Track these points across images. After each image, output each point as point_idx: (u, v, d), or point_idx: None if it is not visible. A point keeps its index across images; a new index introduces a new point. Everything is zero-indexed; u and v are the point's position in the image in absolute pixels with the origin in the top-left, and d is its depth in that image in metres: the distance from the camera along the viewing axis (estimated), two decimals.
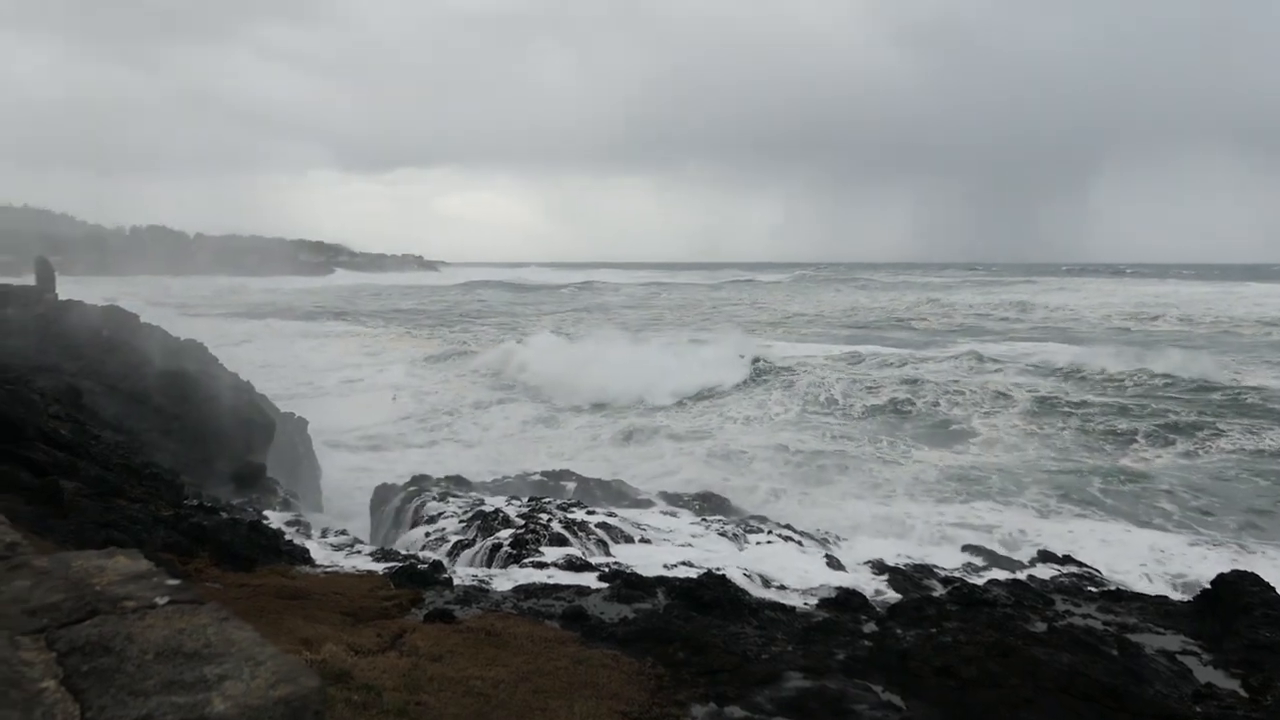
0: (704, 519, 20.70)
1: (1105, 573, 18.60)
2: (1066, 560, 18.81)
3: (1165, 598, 15.43)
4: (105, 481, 16.56)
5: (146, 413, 23.51)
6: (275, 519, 19.47)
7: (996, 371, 47.57)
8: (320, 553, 17.23)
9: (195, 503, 17.92)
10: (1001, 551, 20.72)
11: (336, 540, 18.42)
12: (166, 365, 27.39)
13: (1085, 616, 13.81)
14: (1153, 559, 21.42)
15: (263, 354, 58.56)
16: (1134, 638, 12.51)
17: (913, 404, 40.13)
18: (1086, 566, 18.58)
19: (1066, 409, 37.87)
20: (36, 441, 16.48)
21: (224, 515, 17.34)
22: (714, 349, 54.38)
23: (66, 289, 53.04)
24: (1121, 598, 15.31)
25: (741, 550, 18.46)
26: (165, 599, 1.09)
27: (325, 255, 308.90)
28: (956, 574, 17.55)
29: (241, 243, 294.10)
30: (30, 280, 53.59)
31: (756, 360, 49.25)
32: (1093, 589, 16.31)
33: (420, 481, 22.52)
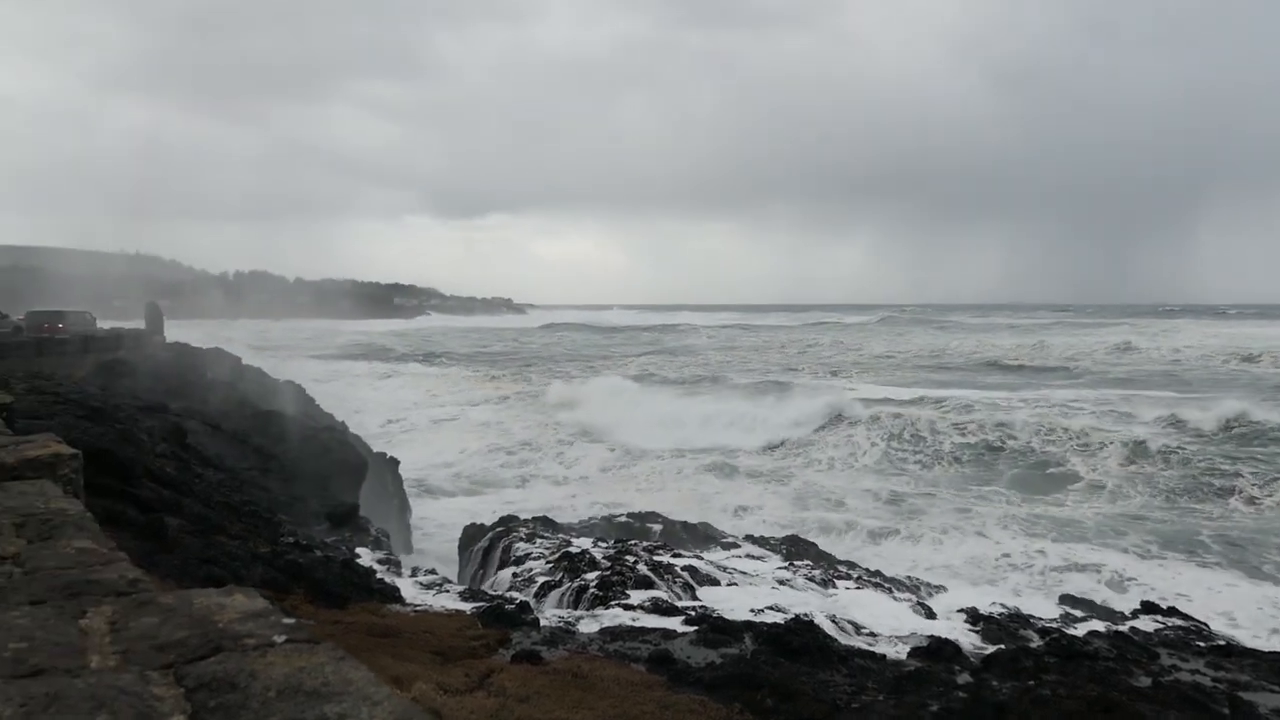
0: (791, 563, 20.44)
1: (1214, 626, 17.82)
2: (1171, 612, 18.03)
3: None
4: (207, 519, 17.11)
5: (246, 452, 24.26)
6: (367, 557, 19.83)
7: (1094, 414, 46.22)
8: (410, 591, 17.48)
9: (291, 540, 18.35)
10: (1101, 599, 20.02)
11: (426, 579, 18.65)
12: (265, 405, 28.28)
13: (1193, 672, 13.20)
14: (1267, 613, 20.46)
15: (355, 393, 60.12)
16: (1247, 696, 11.92)
17: (1004, 447, 39.15)
18: (1193, 620, 17.78)
19: (1167, 453, 36.45)
20: (144, 479, 17.13)
21: (318, 553, 17.73)
22: (799, 392, 54.05)
23: (173, 332, 55.37)
24: (1232, 653, 14.62)
25: (829, 596, 18.18)
26: (283, 637, 1.14)
27: (418, 299, 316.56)
28: (1054, 624, 16.97)
29: (337, 286, 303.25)
30: (140, 324, 56.11)
31: (840, 403, 48.69)
32: (1200, 643, 15.60)
33: (508, 522, 22.73)
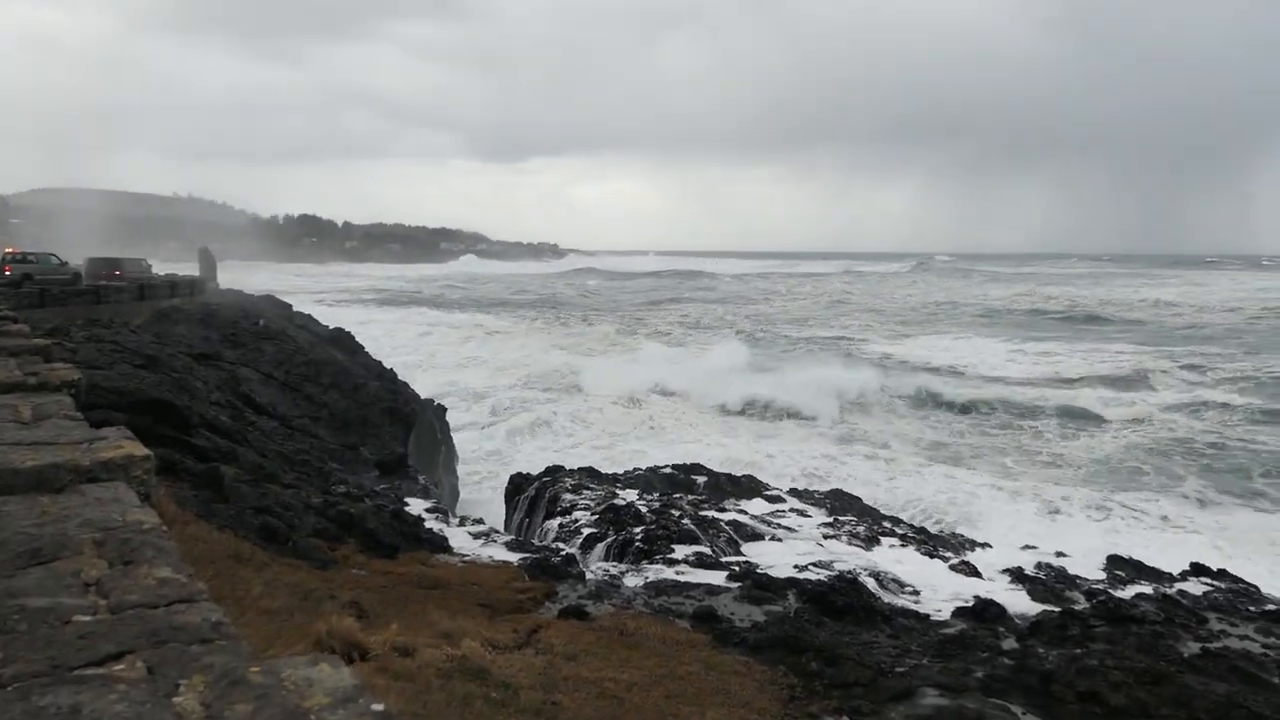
0: (835, 518, 20.44)
1: (1264, 589, 17.61)
2: (1221, 574, 17.83)
3: None
4: (261, 468, 17.49)
5: (298, 400, 24.67)
6: (416, 506, 20.17)
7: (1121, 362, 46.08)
8: (458, 541, 17.78)
9: (342, 489, 18.72)
10: (1149, 562, 19.88)
11: (473, 529, 18.95)
12: (316, 354, 28.66)
13: (1243, 639, 13.07)
14: None
15: (403, 338, 60.83)
16: None
17: (1040, 405, 38.80)
18: (1242, 582, 17.57)
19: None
20: (200, 429, 17.52)
21: (369, 502, 18.07)
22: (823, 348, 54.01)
23: (225, 275, 56.16)
24: None
25: (873, 551, 18.18)
26: None
27: (464, 243, 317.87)
28: (1100, 585, 16.86)
29: (386, 230, 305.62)
30: (194, 267, 56.94)
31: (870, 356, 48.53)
32: (1251, 608, 15.42)
33: (554, 472, 22.93)
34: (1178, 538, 22.87)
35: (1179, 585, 17.15)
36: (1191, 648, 11.78)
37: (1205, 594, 16.41)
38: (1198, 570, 18.16)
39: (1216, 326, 70.95)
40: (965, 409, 38.83)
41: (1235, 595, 16.56)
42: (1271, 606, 15.69)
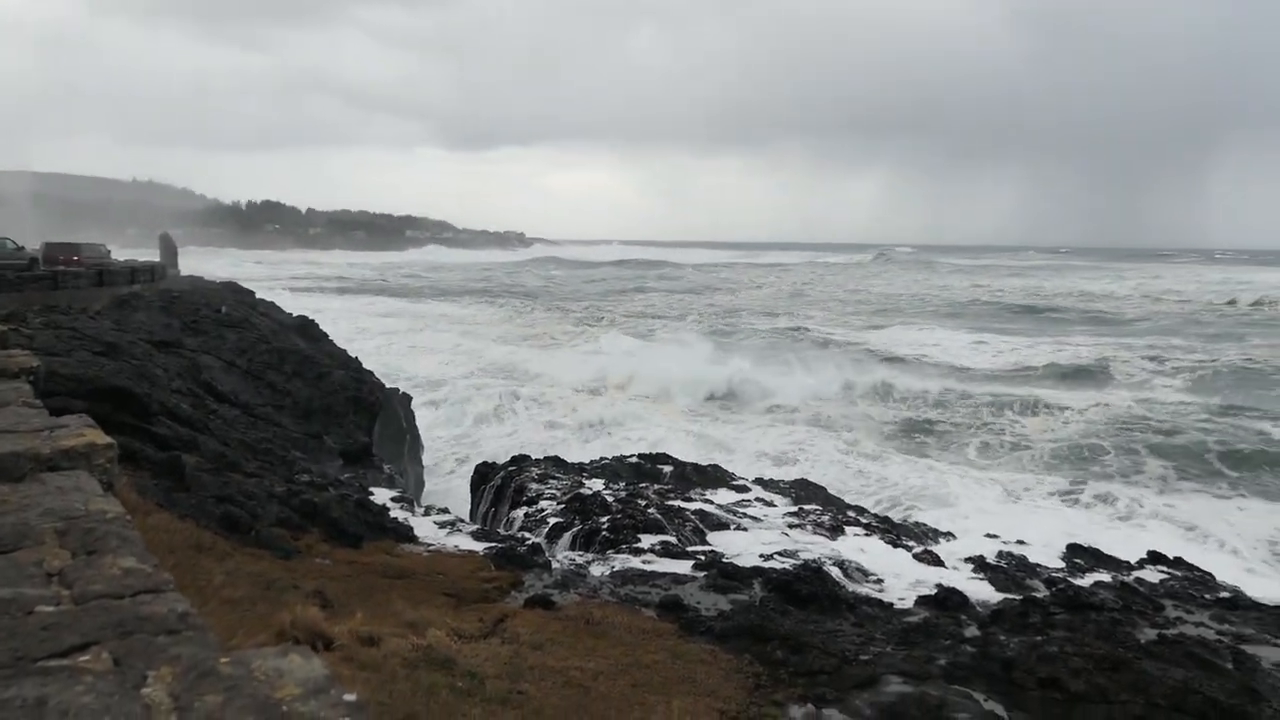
0: (800, 507, 20.57)
1: (1219, 576, 17.95)
2: (1177, 563, 18.15)
3: None
4: (223, 456, 17.29)
5: (261, 388, 24.41)
6: (381, 495, 20.04)
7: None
8: (423, 530, 17.69)
9: (306, 478, 18.56)
10: (1110, 548, 20.19)
11: (439, 518, 18.86)
12: (279, 342, 28.37)
13: (1198, 625, 13.33)
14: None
15: (366, 325, 60.36)
16: (1251, 649, 12.05)
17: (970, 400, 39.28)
18: (1198, 570, 17.90)
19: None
20: (161, 416, 17.29)
21: (333, 491, 17.93)
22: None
23: (187, 263, 55.47)
24: (1237, 605, 14.74)
25: (837, 540, 18.31)
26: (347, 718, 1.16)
27: (430, 231, 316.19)
28: (1060, 574, 17.11)
29: (351, 218, 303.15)
30: (154, 253, 56.13)
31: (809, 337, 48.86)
32: (1206, 595, 15.73)
33: (520, 461, 22.88)
34: (1137, 524, 23.31)
35: (1136, 573, 17.44)
36: (1149, 634, 11.99)
37: (1162, 581, 16.71)
38: (1155, 558, 18.47)
39: (1173, 317, 72.47)
40: (930, 398, 39.17)
41: (1190, 583, 16.87)
42: (1225, 594, 16.01)
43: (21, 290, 25.87)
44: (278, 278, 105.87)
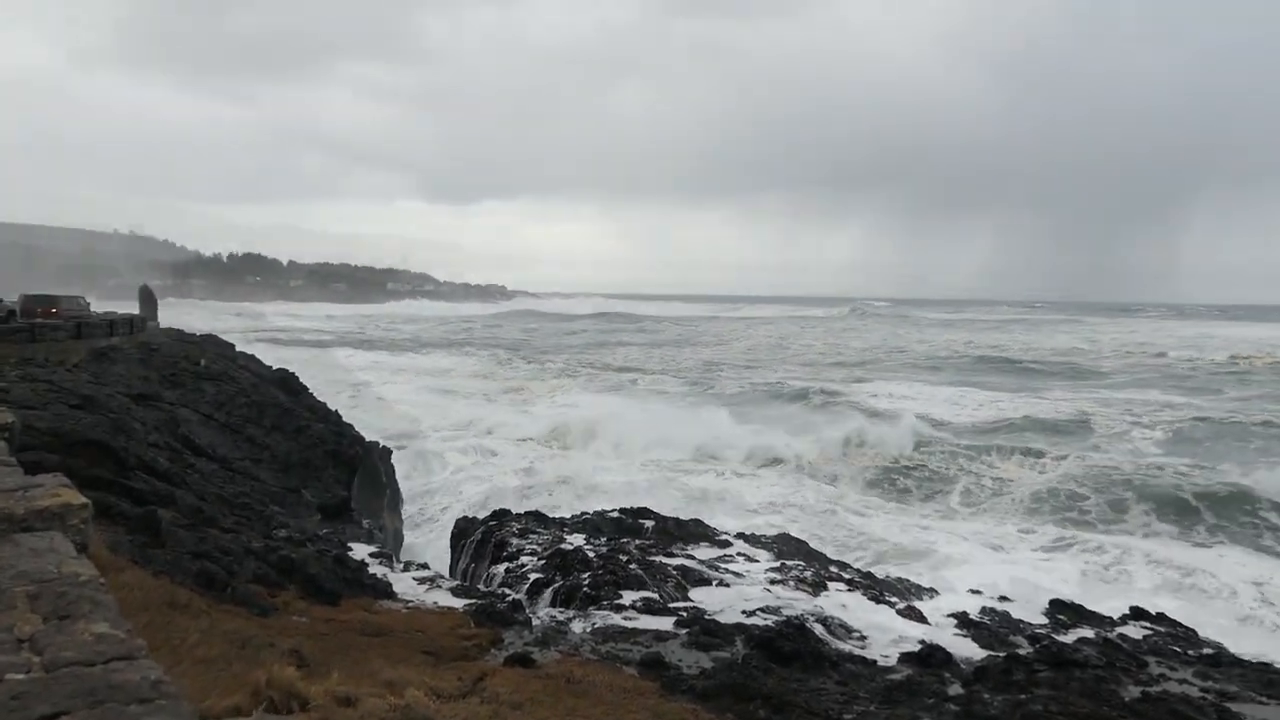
0: (782, 563, 20.46)
1: (1201, 633, 17.93)
2: (1160, 619, 18.12)
3: (1269, 664, 14.77)
4: (200, 511, 17.08)
5: (240, 442, 24.21)
6: (359, 551, 19.82)
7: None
8: (402, 586, 17.49)
9: (284, 534, 18.35)
10: (1092, 601, 20.15)
11: (418, 574, 18.66)
12: (259, 395, 28.20)
13: (1181, 682, 13.30)
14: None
15: (347, 378, 60.13)
16: (1235, 707, 12.01)
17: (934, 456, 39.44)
18: (1181, 625, 17.88)
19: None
20: (138, 470, 17.10)
21: (311, 547, 17.73)
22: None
23: (167, 314, 55.27)
24: (1220, 662, 14.71)
25: (820, 597, 18.20)
26: None
27: (411, 284, 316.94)
28: (1044, 630, 17.04)
29: (332, 270, 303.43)
30: (134, 305, 55.89)
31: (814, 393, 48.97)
32: (1190, 652, 15.69)
33: (500, 516, 22.70)
34: (1121, 575, 23.37)
35: (1119, 629, 17.38)
36: (1133, 692, 11.94)
37: (1145, 637, 16.67)
38: (1137, 614, 18.44)
39: (1149, 369, 73.38)
40: (909, 449, 39.22)
41: (1174, 638, 16.84)
42: (1208, 650, 15.98)
43: None
44: (259, 329, 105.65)
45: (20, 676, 1.71)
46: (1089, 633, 16.54)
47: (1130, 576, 23.21)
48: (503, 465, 36.30)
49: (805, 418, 46.16)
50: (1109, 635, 16.34)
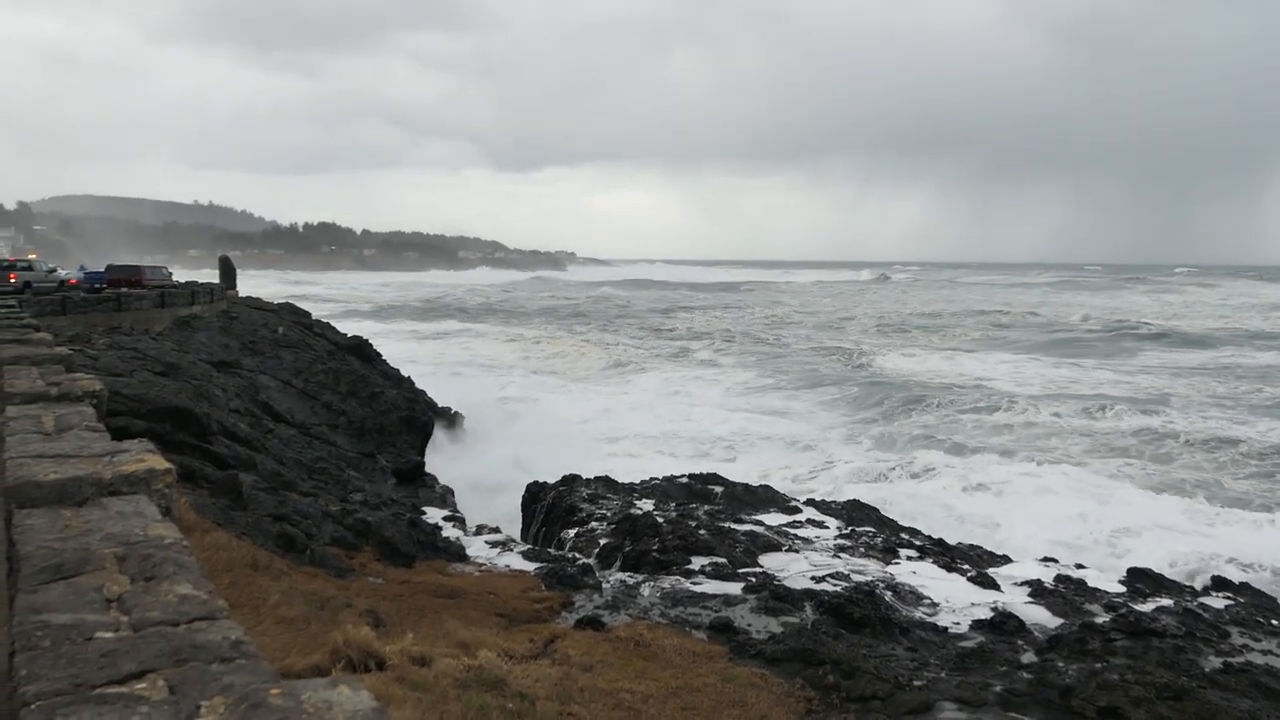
0: (852, 530, 20.34)
1: None
2: (1243, 588, 17.62)
3: None
4: (279, 475, 17.59)
5: (317, 408, 24.78)
6: (433, 514, 20.23)
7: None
8: (475, 549, 17.82)
9: (360, 497, 18.79)
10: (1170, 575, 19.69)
11: (490, 538, 18.97)
12: (334, 362, 28.79)
13: (1265, 653, 12.94)
14: None
15: (423, 349, 61.08)
16: None
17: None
18: (1265, 595, 17.37)
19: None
20: (220, 436, 17.63)
21: (386, 511, 18.13)
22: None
23: (245, 284, 56.55)
24: None
25: (890, 563, 18.07)
26: None
27: (483, 251, 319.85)
28: (1120, 599, 16.69)
29: (404, 239, 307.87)
30: (214, 274, 57.33)
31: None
32: (1274, 621, 15.26)
33: (570, 481, 22.91)
34: (1205, 545, 22.67)
35: (1200, 599, 16.97)
36: (1213, 662, 11.66)
37: (1227, 607, 16.23)
38: (1219, 584, 17.96)
39: (1236, 331, 71.23)
40: (993, 417, 38.59)
41: (1257, 609, 16.38)
42: None
43: (87, 313, 26.57)
44: (333, 298, 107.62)
45: (109, 635, 1.79)
46: (1168, 602, 16.15)
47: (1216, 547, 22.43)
48: (581, 427, 36.61)
49: (883, 388, 45.55)
50: (1189, 605, 15.94)
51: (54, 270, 39.35)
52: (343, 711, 1.28)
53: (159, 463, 3.01)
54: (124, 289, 33.09)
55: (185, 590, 1.99)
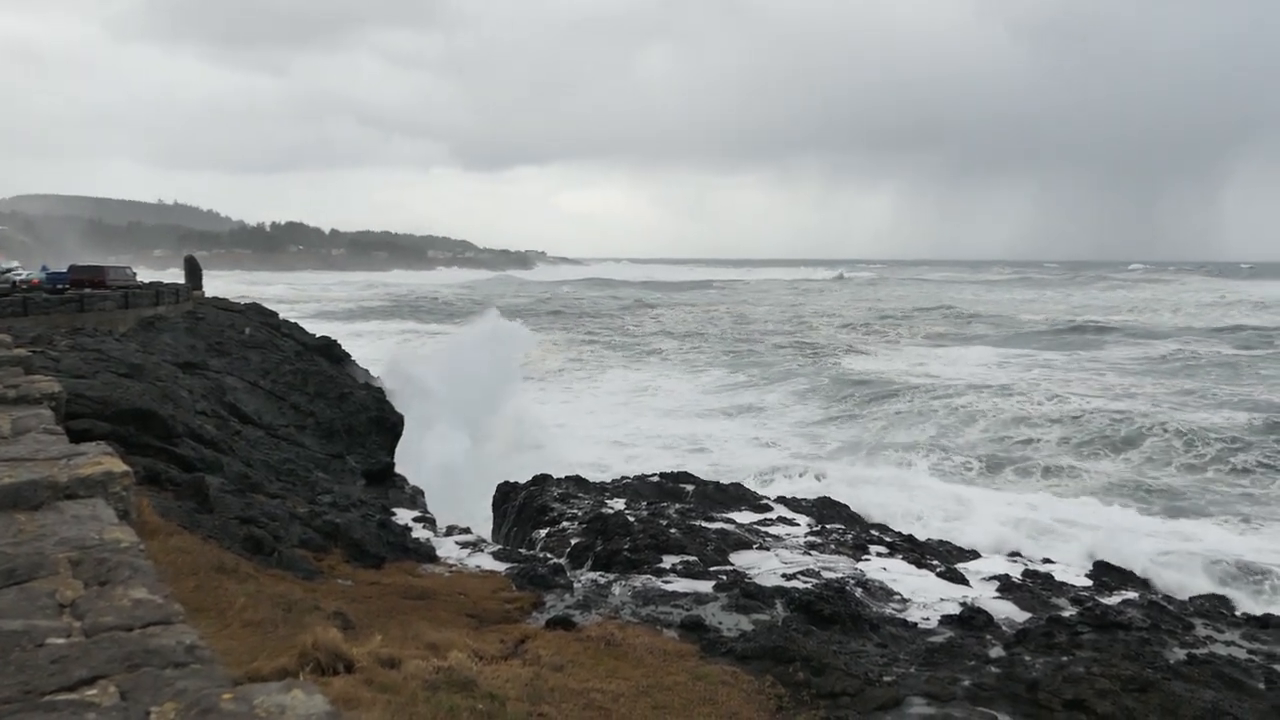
0: (822, 526, 20.46)
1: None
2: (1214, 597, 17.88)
3: None
4: (246, 477, 17.40)
5: (284, 409, 24.55)
6: (403, 515, 20.10)
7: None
8: (445, 550, 17.72)
9: (329, 499, 18.63)
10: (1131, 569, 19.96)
11: (461, 538, 18.89)
12: (302, 363, 28.54)
13: (1228, 645, 13.13)
14: None
15: (388, 349, 60.72)
16: None
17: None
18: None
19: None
20: (185, 438, 17.42)
21: (355, 512, 17.99)
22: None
23: (212, 284, 55.92)
24: (1269, 624, 14.50)
25: (860, 560, 18.18)
26: None
27: (452, 250, 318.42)
28: (1087, 593, 16.89)
29: (373, 239, 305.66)
30: (180, 274, 56.66)
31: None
32: (1237, 614, 15.50)
33: (541, 481, 22.86)
34: (1170, 544, 22.93)
35: (1165, 592, 17.22)
36: (1178, 654, 11.82)
37: (1191, 599, 16.49)
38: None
39: (1201, 329, 72.32)
40: (957, 415, 38.90)
41: (1221, 601, 16.64)
42: (1257, 613, 15.77)
43: (49, 314, 26.18)
44: (301, 300, 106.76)
45: (61, 641, 1.76)
46: (1133, 595, 16.37)
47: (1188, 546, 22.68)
48: (549, 425, 36.52)
49: (844, 387, 45.85)
50: (1154, 597, 16.17)
51: (8, 271, 39.12)
52: (295, 716, 1.26)
53: (117, 465, 2.96)
54: (87, 289, 32.65)
55: (140, 594, 1.96)
